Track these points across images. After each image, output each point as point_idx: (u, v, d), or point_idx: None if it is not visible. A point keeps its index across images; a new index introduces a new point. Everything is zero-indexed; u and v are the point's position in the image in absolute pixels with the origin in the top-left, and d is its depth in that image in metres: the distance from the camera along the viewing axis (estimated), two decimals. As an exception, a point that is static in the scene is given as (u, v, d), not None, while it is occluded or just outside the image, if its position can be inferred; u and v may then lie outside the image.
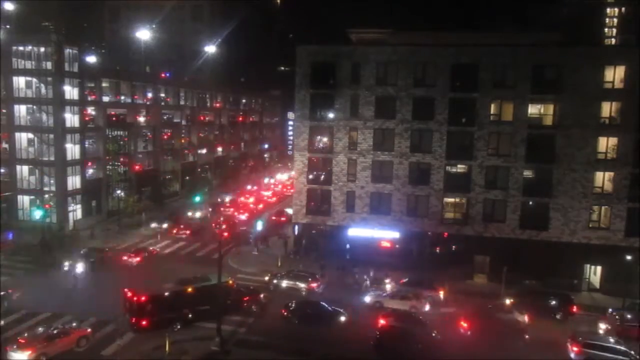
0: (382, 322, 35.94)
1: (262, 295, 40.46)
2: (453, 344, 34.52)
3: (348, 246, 50.97)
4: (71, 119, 60.80)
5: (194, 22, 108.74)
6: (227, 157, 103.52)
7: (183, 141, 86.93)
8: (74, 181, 61.64)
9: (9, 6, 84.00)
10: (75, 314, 35.91)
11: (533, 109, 47.86)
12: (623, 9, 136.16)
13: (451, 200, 49.77)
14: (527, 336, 36.18)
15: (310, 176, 52.19)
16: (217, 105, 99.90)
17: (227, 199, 79.58)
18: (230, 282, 38.81)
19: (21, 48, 59.77)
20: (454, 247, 49.64)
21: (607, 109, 45.99)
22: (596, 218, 47.39)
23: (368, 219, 50.93)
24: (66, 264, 45.66)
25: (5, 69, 59.94)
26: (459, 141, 48.44)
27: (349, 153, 50.91)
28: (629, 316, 38.95)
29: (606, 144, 46.30)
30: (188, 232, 60.78)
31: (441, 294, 42.87)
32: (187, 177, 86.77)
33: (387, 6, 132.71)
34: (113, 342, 32.35)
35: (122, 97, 71.58)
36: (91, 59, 70.95)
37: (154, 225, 62.23)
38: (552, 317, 40.03)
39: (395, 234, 50.52)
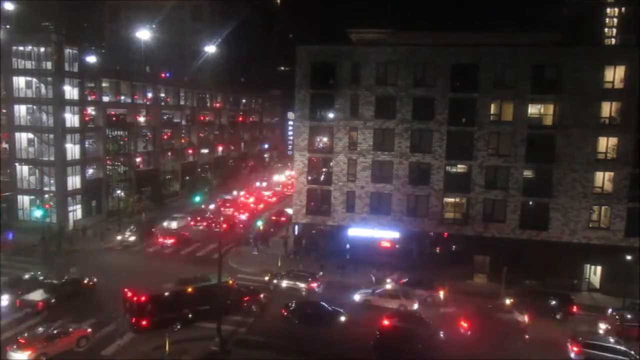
0: (385, 322, 35.84)
1: (262, 295, 40.46)
2: (453, 344, 34.49)
3: (348, 246, 50.94)
4: (71, 119, 60.85)
5: (194, 22, 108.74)
6: (227, 157, 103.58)
7: (183, 141, 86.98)
8: (74, 181, 61.71)
9: (9, 6, 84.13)
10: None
11: (533, 109, 47.85)
12: (623, 9, 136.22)
13: (451, 200, 49.76)
14: (527, 336, 36.19)
15: (310, 176, 52.23)
16: (217, 105, 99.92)
17: (228, 197, 79.44)
18: (230, 282, 38.82)
19: (21, 48, 59.85)
20: (454, 247, 49.66)
21: (607, 109, 45.98)
22: (596, 218, 47.38)
23: (368, 219, 50.92)
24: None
25: (5, 69, 60.00)
26: (459, 141, 48.43)
27: (349, 153, 50.90)
28: (629, 316, 38.93)
29: (606, 144, 46.29)
30: (173, 241, 56.75)
31: (441, 294, 42.87)
32: (187, 177, 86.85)
33: (387, 6, 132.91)
34: (113, 342, 32.40)
35: (122, 97, 71.63)
36: (91, 59, 70.84)
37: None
38: (552, 317, 40.04)
39: (395, 234, 50.52)
